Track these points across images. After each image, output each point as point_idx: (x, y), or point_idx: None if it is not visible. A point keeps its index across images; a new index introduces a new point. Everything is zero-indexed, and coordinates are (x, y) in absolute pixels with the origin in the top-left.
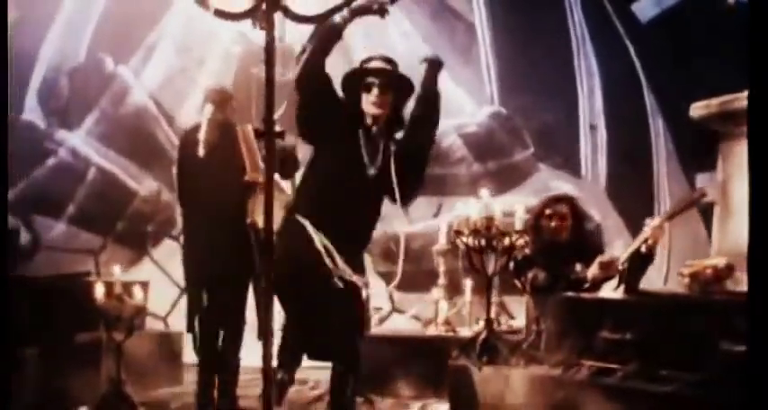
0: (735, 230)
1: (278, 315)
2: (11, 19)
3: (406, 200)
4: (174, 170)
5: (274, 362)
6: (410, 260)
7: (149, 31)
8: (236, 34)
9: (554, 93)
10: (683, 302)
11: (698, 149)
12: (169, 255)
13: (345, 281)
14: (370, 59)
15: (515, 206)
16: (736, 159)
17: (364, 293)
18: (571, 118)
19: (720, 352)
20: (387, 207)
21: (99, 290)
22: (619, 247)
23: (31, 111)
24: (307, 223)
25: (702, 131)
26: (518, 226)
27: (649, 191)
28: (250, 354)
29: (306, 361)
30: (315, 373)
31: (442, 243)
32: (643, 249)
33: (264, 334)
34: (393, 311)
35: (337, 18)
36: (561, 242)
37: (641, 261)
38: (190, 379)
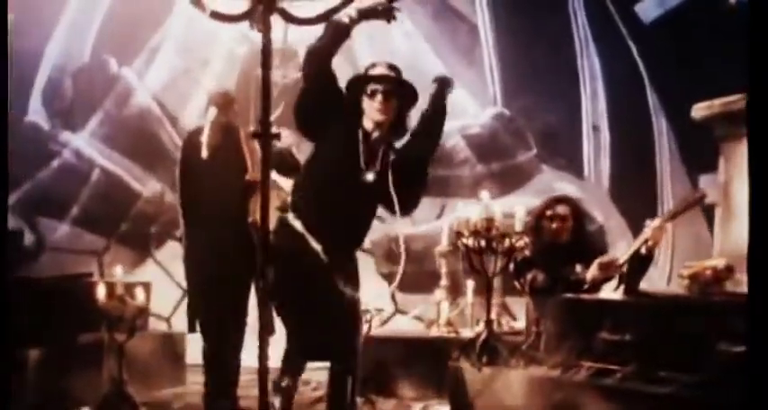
0: (736, 231)
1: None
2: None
3: (404, 213)
4: (177, 172)
5: (271, 363)
6: (413, 261)
7: (153, 33)
8: (240, 35)
9: (557, 95)
10: (682, 303)
11: (701, 150)
12: (172, 256)
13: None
14: (374, 66)
15: (515, 207)
16: (738, 160)
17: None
18: (574, 119)
19: (719, 354)
20: None
21: (101, 291)
22: (622, 248)
23: (36, 113)
24: (297, 224)
25: (706, 132)
26: (518, 227)
27: (652, 192)
28: (251, 355)
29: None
30: (317, 374)
31: (444, 244)
32: (643, 250)
33: (261, 333)
34: (396, 312)
35: (345, 18)
36: (561, 243)
37: (641, 262)
38: (192, 380)
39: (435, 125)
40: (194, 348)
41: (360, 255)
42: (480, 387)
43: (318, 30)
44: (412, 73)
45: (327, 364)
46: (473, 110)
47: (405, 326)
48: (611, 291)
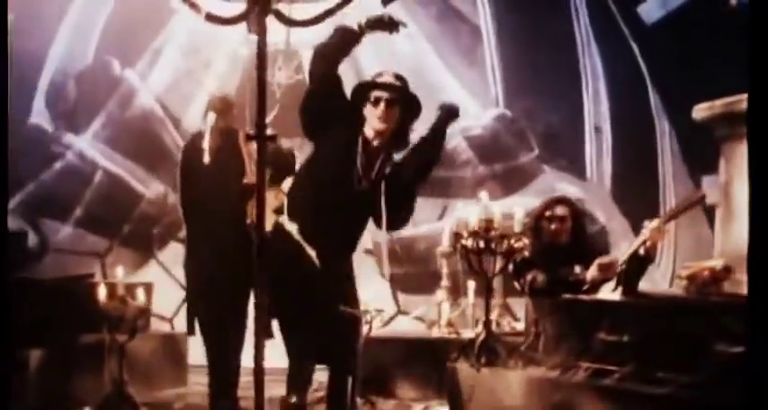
0: (737, 232)
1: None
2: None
3: (390, 228)
4: (177, 176)
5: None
6: (415, 262)
7: (156, 35)
8: (243, 37)
9: (559, 96)
10: (680, 304)
11: (703, 151)
12: (175, 258)
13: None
14: (381, 74)
15: (514, 208)
16: (738, 161)
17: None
18: (576, 120)
19: (716, 354)
20: None
21: (102, 292)
22: (624, 249)
23: (39, 115)
24: (293, 228)
25: (708, 133)
26: (517, 228)
27: (655, 193)
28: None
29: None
30: (317, 374)
31: (445, 245)
32: (641, 251)
33: (257, 337)
34: (398, 313)
35: (355, 26)
36: (561, 244)
37: (639, 263)
38: (194, 381)
39: (432, 150)
40: (196, 349)
41: (361, 256)
42: (479, 388)
43: (322, 30)
44: (413, 73)
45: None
46: (475, 111)
47: (406, 327)
48: (609, 292)
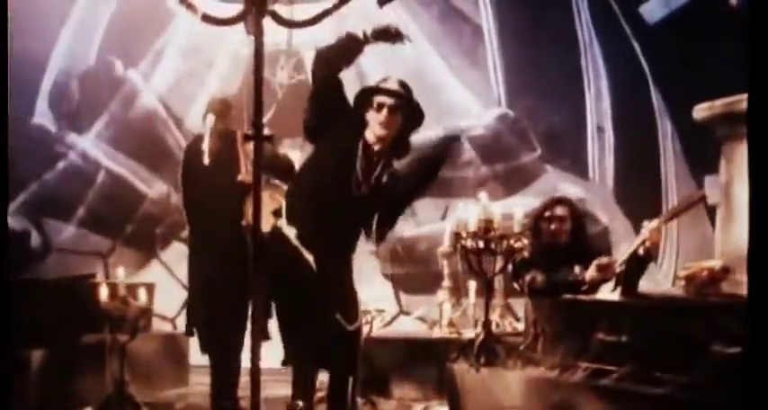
0: (737, 232)
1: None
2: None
3: (375, 238)
4: (179, 178)
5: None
6: (417, 262)
7: (158, 35)
8: (245, 37)
9: (561, 95)
10: (678, 304)
11: (706, 151)
12: (178, 258)
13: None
14: (386, 80)
15: (514, 208)
16: (739, 161)
17: None
18: (578, 120)
19: (714, 355)
20: None
21: (103, 292)
22: (626, 249)
23: (42, 115)
24: (291, 233)
25: (710, 133)
26: (517, 228)
27: (657, 193)
28: None
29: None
30: (320, 375)
31: (446, 245)
32: (641, 251)
33: (254, 335)
34: (401, 313)
35: (360, 34)
36: (560, 244)
37: (639, 263)
38: (195, 381)
39: (427, 176)
40: (198, 349)
41: (363, 257)
42: (478, 388)
43: (325, 31)
44: (415, 73)
45: None
46: (477, 110)
47: (408, 327)
48: (609, 292)
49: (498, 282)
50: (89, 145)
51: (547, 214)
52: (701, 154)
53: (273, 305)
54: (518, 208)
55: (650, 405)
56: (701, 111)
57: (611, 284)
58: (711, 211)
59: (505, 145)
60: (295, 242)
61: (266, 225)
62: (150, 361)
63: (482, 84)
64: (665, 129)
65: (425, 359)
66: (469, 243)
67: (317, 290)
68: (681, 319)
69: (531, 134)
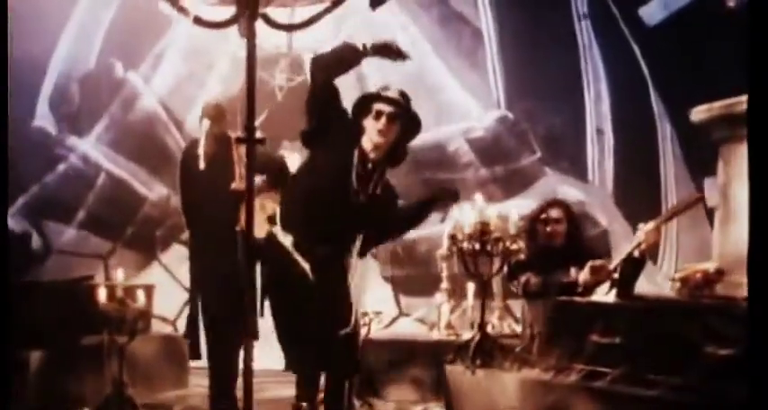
0: (735, 234)
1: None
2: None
3: (360, 256)
4: (177, 182)
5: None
6: (417, 264)
7: (159, 38)
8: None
9: (561, 98)
10: (672, 306)
11: (705, 154)
12: (178, 260)
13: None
14: (386, 88)
15: (510, 210)
16: (737, 163)
17: None
18: (578, 122)
19: (708, 357)
20: None
21: (102, 294)
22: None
23: (43, 118)
24: (286, 241)
25: (709, 135)
26: (512, 230)
27: (657, 195)
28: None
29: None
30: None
31: (444, 247)
32: (636, 253)
33: (247, 335)
34: (400, 315)
35: (360, 45)
36: (556, 246)
37: (634, 265)
38: (195, 382)
39: (410, 223)
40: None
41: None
42: (473, 390)
43: (323, 33)
44: (415, 75)
45: None
46: (476, 113)
47: (407, 329)
48: (604, 294)
49: (497, 284)
50: (89, 147)
51: (542, 216)
52: (701, 156)
53: (268, 307)
54: (514, 210)
55: (644, 407)
56: (698, 113)
57: (606, 286)
58: (711, 213)
59: (505, 147)
60: (290, 249)
61: (261, 231)
62: (149, 363)
63: (482, 87)
64: (665, 131)
65: (424, 360)
66: (465, 245)
67: (315, 297)
68: (675, 321)
69: (531, 136)
